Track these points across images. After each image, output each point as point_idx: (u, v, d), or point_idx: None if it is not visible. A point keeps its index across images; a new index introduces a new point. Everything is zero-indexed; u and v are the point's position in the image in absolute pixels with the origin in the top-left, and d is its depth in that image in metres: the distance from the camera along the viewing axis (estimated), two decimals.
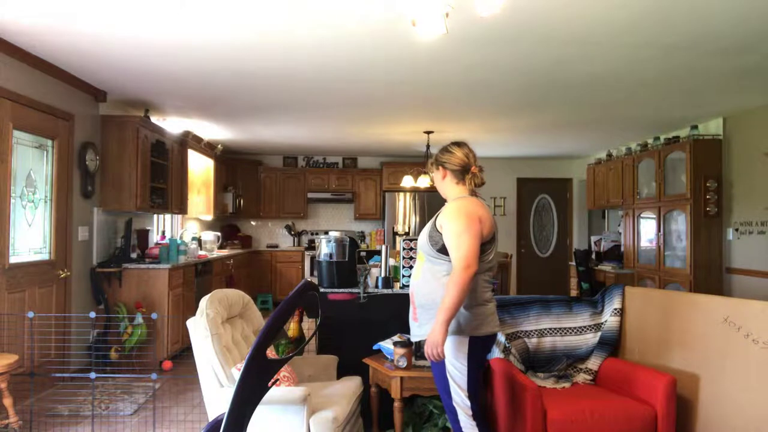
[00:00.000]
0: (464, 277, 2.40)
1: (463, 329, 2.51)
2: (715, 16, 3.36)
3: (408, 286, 3.74)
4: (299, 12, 3.33)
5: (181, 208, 6.80)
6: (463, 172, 2.65)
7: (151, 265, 5.43)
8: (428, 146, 7.56)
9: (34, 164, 4.44)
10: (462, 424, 2.56)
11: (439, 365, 2.56)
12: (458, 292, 2.40)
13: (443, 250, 2.53)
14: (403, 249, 3.97)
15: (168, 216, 7.27)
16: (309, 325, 3.16)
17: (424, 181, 7.59)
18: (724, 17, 3.37)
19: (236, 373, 2.83)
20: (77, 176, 4.99)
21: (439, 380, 2.61)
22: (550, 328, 3.56)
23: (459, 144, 2.70)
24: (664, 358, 3.30)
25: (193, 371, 3.06)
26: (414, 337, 2.72)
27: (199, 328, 2.91)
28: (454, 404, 2.56)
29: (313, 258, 8.91)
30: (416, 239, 3.53)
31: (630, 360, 3.45)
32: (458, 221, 2.50)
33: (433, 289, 2.55)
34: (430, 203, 9.17)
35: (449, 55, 4.08)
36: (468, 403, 2.53)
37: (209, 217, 8.30)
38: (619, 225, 7.98)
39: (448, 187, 2.70)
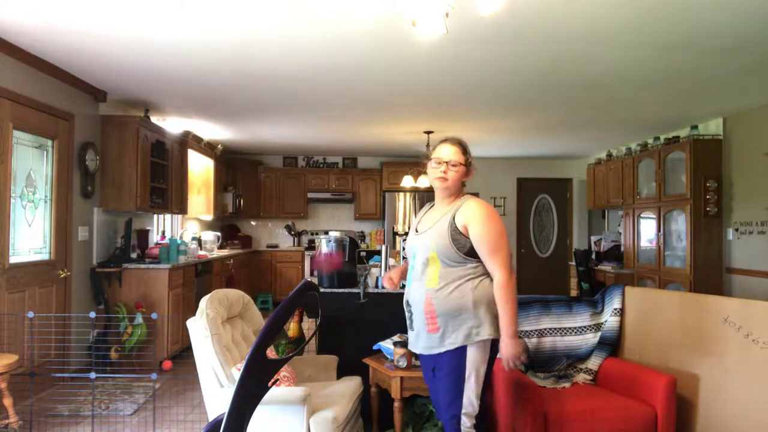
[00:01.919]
0: (514, 283, 2.37)
1: (489, 332, 2.43)
2: (715, 16, 3.36)
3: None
4: (299, 12, 3.33)
5: (181, 208, 6.80)
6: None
7: (151, 265, 5.43)
8: (428, 146, 7.55)
9: (34, 164, 4.44)
10: (463, 430, 2.45)
11: (457, 375, 2.42)
12: (515, 299, 2.37)
13: (470, 253, 2.41)
14: (403, 249, 3.97)
15: (168, 216, 7.27)
16: (309, 325, 3.16)
17: (424, 181, 7.59)
18: (724, 17, 3.37)
19: (236, 373, 2.83)
20: (77, 176, 4.99)
21: (452, 389, 2.44)
22: (550, 328, 3.56)
23: None
24: (664, 358, 3.30)
25: (193, 371, 3.06)
26: (433, 349, 2.48)
27: (199, 328, 2.91)
28: (463, 414, 2.43)
29: (313, 258, 8.91)
30: None
31: (630, 360, 3.45)
32: (494, 223, 2.41)
33: (463, 293, 2.41)
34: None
35: (449, 55, 4.08)
36: (476, 410, 2.44)
37: (209, 217, 8.30)
38: (619, 225, 7.98)
39: (458, 185, 2.54)
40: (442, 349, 2.44)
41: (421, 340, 2.51)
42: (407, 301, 2.58)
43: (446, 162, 2.51)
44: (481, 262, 2.42)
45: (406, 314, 2.60)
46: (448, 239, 2.41)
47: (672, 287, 6.17)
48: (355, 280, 3.97)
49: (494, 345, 2.46)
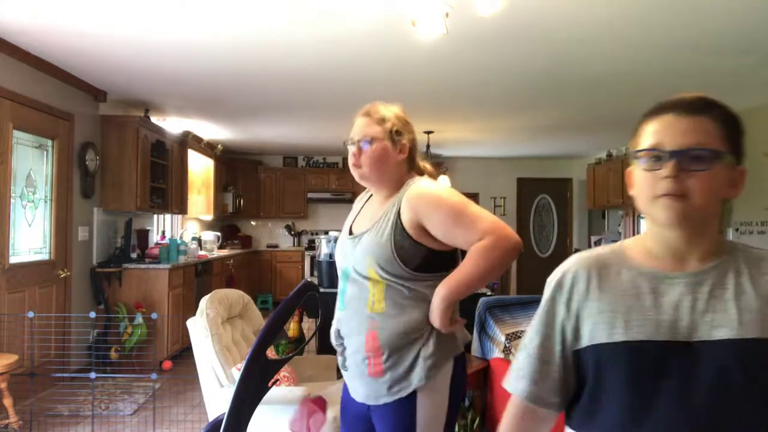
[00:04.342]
0: (511, 246, 1.68)
1: (445, 356, 1.66)
2: (715, 16, 3.36)
3: None
4: (299, 12, 3.34)
5: (181, 208, 6.80)
6: (415, 158, 1.82)
7: (151, 265, 5.43)
8: (428, 146, 7.55)
9: (34, 164, 4.44)
10: None
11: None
12: (496, 267, 1.66)
13: (421, 268, 1.64)
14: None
15: (168, 216, 7.27)
16: (309, 325, 3.17)
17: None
18: (724, 17, 3.37)
19: (236, 373, 2.83)
20: (77, 176, 4.99)
21: None
22: None
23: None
24: None
25: (193, 371, 3.06)
26: (379, 399, 1.66)
27: (199, 328, 2.91)
28: None
29: (313, 258, 8.91)
30: None
31: None
32: (451, 196, 1.66)
33: (416, 318, 1.63)
34: None
35: (449, 54, 4.07)
36: None
37: (209, 217, 8.30)
38: (619, 225, 7.98)
39: (385, 170, 1.73)
40: (390, 399, 1.65)
41: (361, 386, 1.71)
42: (338, 332, 1.81)
43: (357, 141, 1.76)
44: (439, 278, 1.64)
45: (337, 349, 1.83)
46: (390, 249, 1.62)
47: None
48: None
49: (459, 361, 1.71)
